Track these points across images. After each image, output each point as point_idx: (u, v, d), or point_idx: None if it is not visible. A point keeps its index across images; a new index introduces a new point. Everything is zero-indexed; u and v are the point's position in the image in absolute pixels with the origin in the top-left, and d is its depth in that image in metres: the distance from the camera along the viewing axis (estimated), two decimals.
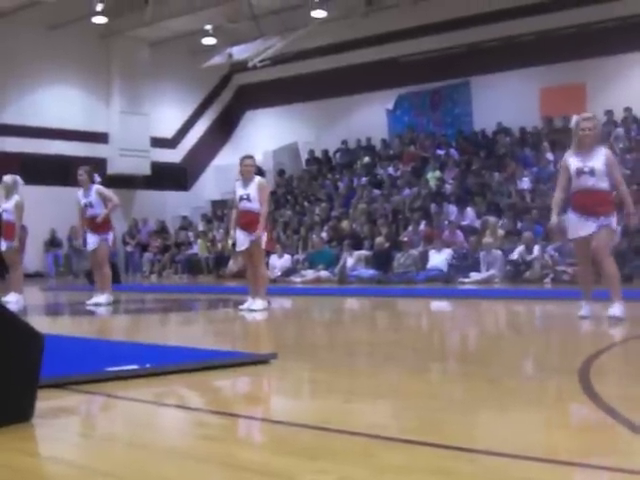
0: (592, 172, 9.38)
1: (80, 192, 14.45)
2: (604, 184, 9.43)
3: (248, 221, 12.38)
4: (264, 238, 12.52)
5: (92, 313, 13.39)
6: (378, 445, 3.86)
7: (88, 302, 14.39)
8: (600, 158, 9.42)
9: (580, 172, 9.46)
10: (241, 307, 12.56)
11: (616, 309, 9.34)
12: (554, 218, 9.84)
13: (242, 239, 12.46)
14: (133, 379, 5.72)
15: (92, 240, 14.36)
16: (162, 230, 32.30)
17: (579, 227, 9.54)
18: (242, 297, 13.17)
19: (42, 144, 30.91)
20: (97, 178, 14.62)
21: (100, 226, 14.22)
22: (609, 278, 9.54)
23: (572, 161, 9.57)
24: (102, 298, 14.26)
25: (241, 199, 12.45)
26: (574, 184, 9.57)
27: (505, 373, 6.14)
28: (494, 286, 18.96)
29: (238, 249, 12.93)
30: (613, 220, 9.51)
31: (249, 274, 12.81)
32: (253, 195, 12.34)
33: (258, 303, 12.38)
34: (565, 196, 9.77)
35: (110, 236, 14.49)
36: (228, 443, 4.10)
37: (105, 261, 14.55)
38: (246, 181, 12.48)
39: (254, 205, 12.33)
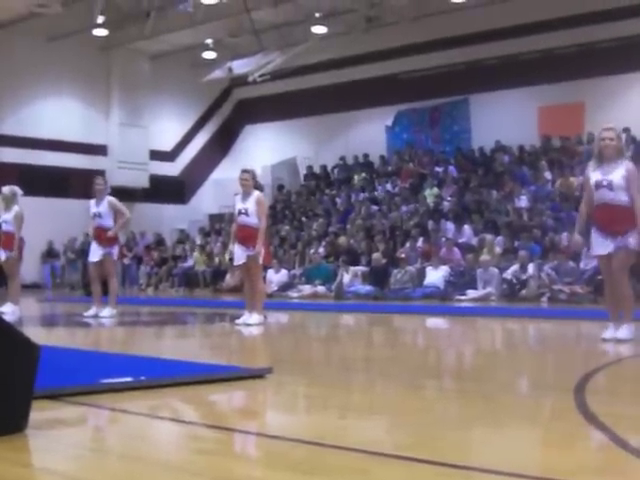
0: (610, 186, 9.06)
1: (92, 201, 14.47)
2: (623, 198, 9.06)
3: (245, 235, 12.39)
4: (261, 252, 12.53)
5: (88, 325, 13.37)
6: (373, 461, 3.85)
7: (85, 314, 14.38)
8: (620, 171, 9.08)
9: (599, 185, 9.16)
10: (237, 321, 12.54)
11: (624, 332, 9.12)
12: (576, 233, 9.65)
13: (239, 253, 12.46)
14: (128, 391, 5.71)
15: (96, 252, 14.35)
16: (159, 243, 32.28)
17: (599, 244, 9.28)
18: (238, 311, 13.15)
19: (40, 155, 30.93)
20: (108, 189, 14.66)
21: (107, 239, 14.22)
22: (623, 301, 9.28)
23: (593, 174, 9.28)
24: (106, 311, 14.22)
25: (239, 213, 12.48)
26: (595, 198, 9.25)
27: (500, 390, 6.14)
28: (490, 304, 18.94)
29: (235, 263, 12.94)
30: (632, 239, 9.11)
31: (246, 288, 12.81)
32: (251, 209, 12.35)
33: (254, 317, 12.37)
34: (589, 210, 9.43)
35: (115, 250, 14.45)
36: (223, 457, 4.09)
37: (112, 274, 14.57)
38: (245, 195, 12.50)
39: (252, 220, 12.33)
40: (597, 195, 9.22)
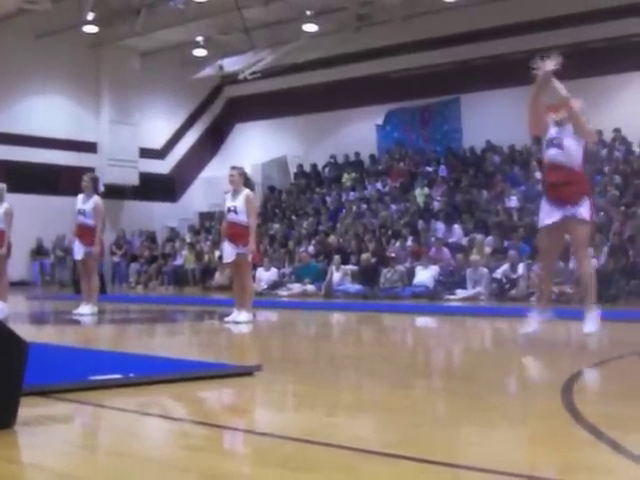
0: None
1: (80, 197, 14.46)
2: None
3: (234, 233, 12.40)
4: (253, 250, 12.55)
5: (77, 322, 13.36)
6: (360, 458, 3.87)
7: (74, 311, 14.36)
8: None
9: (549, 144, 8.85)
10: (226, 319, 12.55)
11: (590, 324, 8.58)
12: None
13: (229, 251, 12.47)
14: (117, 388, 5.72)
15: (78, 250, 14.39)
16: (153, 240, 32.22)
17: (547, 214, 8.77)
18: (228, 309, 13.14)
19: (30, 153, 30.83)
20: (101, 188, 14.60)
21: (88, 237, 14.20)
22: (585, 282, 8.71)
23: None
24: (86, 309, 14.20)
25: (228, 210, 12.51)
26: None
27: (488, 390, 6.15)
28: (480, 303, 18.97)
29: (225, 261, 12.96)
30: (585, 208, 8.56)
31: (235, 286, 12.83)
32: (240, 207, 12.37)
33: (243, 315, 12.37)
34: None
35: (97, 248, 14.40)
36: (211, 454, 4.10)
37: (93, 272, 14.50)
38: (234, 193, 12.51)
39: (240, 217, 12.34)
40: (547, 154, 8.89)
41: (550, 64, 8.81)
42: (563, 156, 8.67)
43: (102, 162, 32.64)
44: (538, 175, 25.00)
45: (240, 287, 12.64)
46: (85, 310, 14.17)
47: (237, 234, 12.41)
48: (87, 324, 13.09)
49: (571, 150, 8.68)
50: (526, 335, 8.85)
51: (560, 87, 8.81)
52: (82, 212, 14.29)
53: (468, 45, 28.56)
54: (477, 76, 28.56)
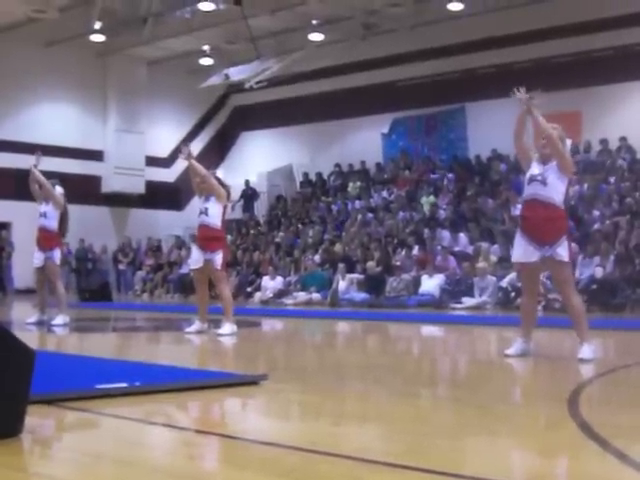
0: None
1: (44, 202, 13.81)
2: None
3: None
4: (219, 258, 11.98)
5: (84, 330, 13.33)
6: (365, 468, 3.86)
7: (29, 320, 13.70)
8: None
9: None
10: (187, 330, 12.11)
11: (586, 351, 8.37)
12: None
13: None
14: (122, 397, 5.72)
15: (37, 257, 13.63)
16: (158, 249, 32.17)
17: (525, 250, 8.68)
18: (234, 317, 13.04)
19: None
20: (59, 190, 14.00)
21: (47, 242, 13.50)
22: (576, 316, 8.56)
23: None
24: (58, 319, 13.46)
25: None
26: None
27: (494, 399, 6.14)
28: (486, 312, 18.94)
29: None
30: (564, 249, 8.47)
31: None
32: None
33: (226, 327, 11.76)
34: None
35: (56, 253, 13.57)
36: (216, 463, 4.10)
37: (57, 280, 13.74)
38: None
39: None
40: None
41: (525, 97, 8.96)
42: (546, 192, 8.60)
43: (108, 170, 32.75)
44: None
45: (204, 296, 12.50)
46: (57, 320, 13.44)
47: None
48: (93, 332, 13.06)
49: (555, 187, 8.61)
50: (509, 356, 8.78)
51: (542, 121, 8.89)
52: (44, 214, 13.60)
53: (474, 54, 28.60)
54: (483, 85, 28.56)
